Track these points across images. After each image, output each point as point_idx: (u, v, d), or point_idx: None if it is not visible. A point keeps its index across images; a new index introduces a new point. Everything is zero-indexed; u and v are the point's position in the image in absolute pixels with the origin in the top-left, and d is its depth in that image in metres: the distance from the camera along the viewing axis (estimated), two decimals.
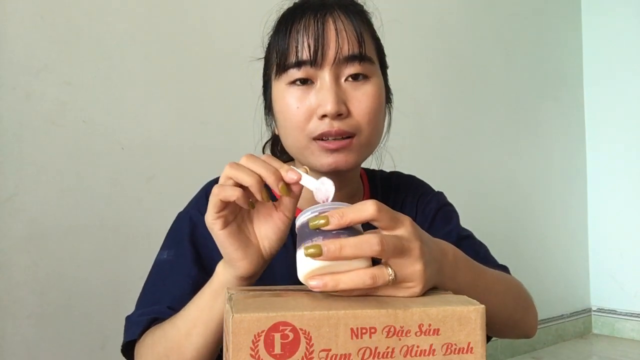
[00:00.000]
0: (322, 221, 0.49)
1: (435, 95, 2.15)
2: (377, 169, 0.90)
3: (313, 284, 0.49)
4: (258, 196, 0.55)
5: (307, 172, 0.57)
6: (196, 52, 1.53)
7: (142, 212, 1.39)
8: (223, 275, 0.60)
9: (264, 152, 0.89)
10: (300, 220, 0.53)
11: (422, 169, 2.04)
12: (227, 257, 0.58)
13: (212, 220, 0.57)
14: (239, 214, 0.59)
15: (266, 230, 0.59)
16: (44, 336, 1.24)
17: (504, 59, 2.45)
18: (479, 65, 2.34)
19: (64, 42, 1.32)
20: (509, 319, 0.72)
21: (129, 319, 0.72)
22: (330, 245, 0.48)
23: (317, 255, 0.48)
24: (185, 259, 0.73)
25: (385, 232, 0.52)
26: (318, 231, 0.51)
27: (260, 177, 0.55)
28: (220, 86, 1.56)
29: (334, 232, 0.50)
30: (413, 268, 0.52)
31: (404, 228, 0.52)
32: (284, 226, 0.59)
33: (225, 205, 0.56)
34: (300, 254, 0.51)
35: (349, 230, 0.51)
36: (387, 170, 0.91)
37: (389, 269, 0.51)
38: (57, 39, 1.31)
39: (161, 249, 0.77)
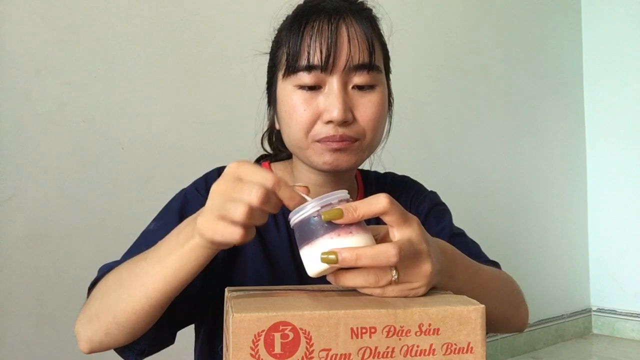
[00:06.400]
0: (335, 214, 0.50)
1: (435, 95, 2.15)
2: (370, 169, 0.91)
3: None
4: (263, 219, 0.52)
5: (308, 192, 0.54)
6: (196, 52, 1.53)
7: (142, 212, 1.39)
8: (200, 240, 0.55)
9: (262, 145, 0.89)
10: (300, 217, 0.52)
11: (422, 168, 2.05)
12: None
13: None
14: None
15: None
16: (44, 336, 1.24)
17: (504, 58, 2.45)
18: (479, 65, 2.34)
19: (64, 42, 1.32)
20: (503, 315, 0.74)
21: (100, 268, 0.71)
22: (345, 254, 0.49)
23: (334, 262, 0.49)
24: (169, 229, 0.73)
25: (394, 230, 0.53)
26: (327, 225, 0.51)
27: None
28: (220, 86, 1.56)
29: (343, 225, 0.51)
30: (420, 269, 0.52)
31: (412, 229, 0.53)
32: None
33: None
34: (308, 251, 0.52)
35: (357, 223, 0.51)
36: (382, 171, 0.92)
37: (394, 270, 0.51)
38: (57, 39, 1.31)
39: (151, 222, 0.77)
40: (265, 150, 0.89)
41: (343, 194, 0.53)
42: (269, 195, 0.50)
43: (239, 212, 0.49)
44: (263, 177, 0.50)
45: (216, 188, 0.52)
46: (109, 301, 0.62)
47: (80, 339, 0.64)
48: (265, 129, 0.86)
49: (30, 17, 1.28)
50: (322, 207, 0.51)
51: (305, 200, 0.51)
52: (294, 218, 0.52)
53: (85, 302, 0.68)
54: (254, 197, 0.49)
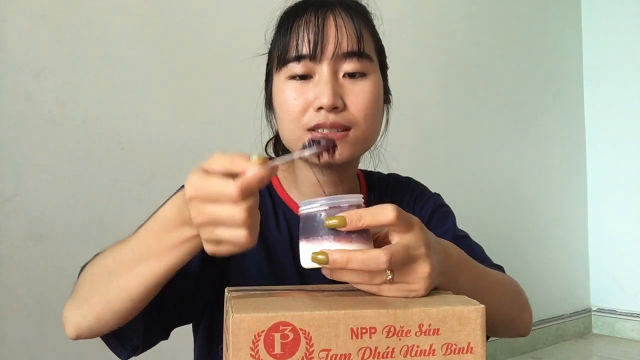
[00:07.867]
0: (337, 222, 0.50)
1: (435, 95, 2.15)
2: (374, 170, 0.90)
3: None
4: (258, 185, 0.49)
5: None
6: (196, 52, 1.53)
7: (142, 212, 1.38)
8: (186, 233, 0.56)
9: (266, 151, 0.89)
10: (307, 210, 0.52)
11: (422, 168, 2.05)
12: None
13: None
14: None
15: None
16: (44, 336, 1.24)
17: (504, 58, 2.45)
18: (479, 65, 2.34)
19: (64, 42, 1.32)
20: (506, 319, 0.73)
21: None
22: (337, 256, 0.49)
23: (324, 262, 0.50)
24: None
25: (394, 235, 0.53)
26: (329, 228, 0.51)
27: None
28: (220, 86, 1.56)
29: (345, 232, 0.51)
30: (417, 271, 0.52)
31: (412, 234, 0.53)
32: None
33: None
34: (305, 245, 0.52)
35: (359, 230, 0.52)
36: (385, 171, 0.92)
37: (388, 270, 0.51)
38: (57, 39, 1.31)
39: (149, 217, 0.78)
40: (268, 155, 0.89)
41: (357, 199, 0.53)
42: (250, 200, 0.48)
43: (235, 236, 0.48)
44: (229, 196, 0.47)
45: (195, 218, 0.50)
46: (99, 289, 0.62)
47: (67, 323, 0.65)
48: (272, 135, 0.86)
49: (30, 17, 1.28)
50: (330, 208, 0.51)
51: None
52: (302, 208, 0.53)
53: (74, 287, 0.68)
54: (237, 216, 0.47)
